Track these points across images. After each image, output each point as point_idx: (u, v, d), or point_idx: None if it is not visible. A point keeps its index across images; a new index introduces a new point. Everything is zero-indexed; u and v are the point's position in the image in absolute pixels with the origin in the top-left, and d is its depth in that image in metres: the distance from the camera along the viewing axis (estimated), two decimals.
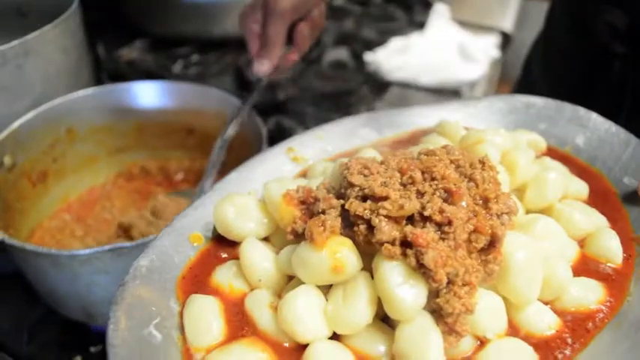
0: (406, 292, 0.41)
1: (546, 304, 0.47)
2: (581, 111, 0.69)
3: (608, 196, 0.61)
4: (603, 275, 0.51)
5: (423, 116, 0.72)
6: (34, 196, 1.00)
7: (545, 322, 0.45)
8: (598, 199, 0.60)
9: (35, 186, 0.99)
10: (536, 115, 0.71)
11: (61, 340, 0.87)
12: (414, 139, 0.69)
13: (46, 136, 0.99)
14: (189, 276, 0.50)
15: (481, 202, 0.46)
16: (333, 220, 0.44)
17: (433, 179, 0.45)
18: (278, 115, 1.28)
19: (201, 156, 1.06)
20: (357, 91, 1.40)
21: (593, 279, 0.50)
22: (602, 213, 0.57)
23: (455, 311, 0.41)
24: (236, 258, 0.50)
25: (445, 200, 0.44)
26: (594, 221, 0.55)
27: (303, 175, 0.63)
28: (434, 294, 0.42)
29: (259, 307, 0.45)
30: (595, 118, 0.68)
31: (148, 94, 1.06)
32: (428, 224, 0.43)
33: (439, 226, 0.43)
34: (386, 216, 0.42)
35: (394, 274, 0.41)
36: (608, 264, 0.52)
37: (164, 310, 0.46)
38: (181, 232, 0.53)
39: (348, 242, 0.44)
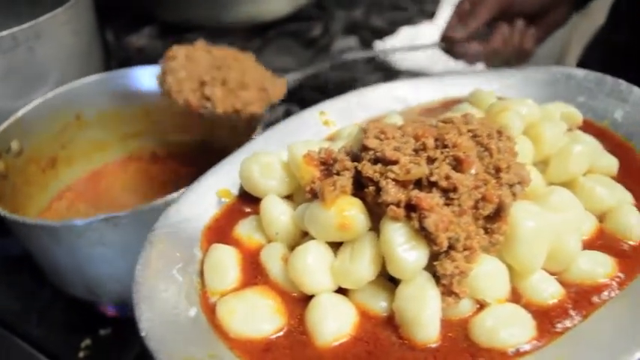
0: (408, 253, 0.43)
1: (553, 274, 0.48)
2: (623, 85, 0.67)
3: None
4: (618, 251, 0.51)
5: (457, 85, 0.72)
6: (44, 182, 1.00)
7: (549, 292, 0.46)
8: (629, 175, 0.59)
9: (44, 172, 1.00)
10: (576, 87, 0.70)
11: (70, 323, 0.87)
12: (444, 107, 0.69)
13: (54, 122, 0.99)
14: (213, 227, 0.53)
15: (494, 171, 0.47)
16: (345, 180, 0.47)
17: (445, 147, 0.47)
18: (287, 103, 1.26)
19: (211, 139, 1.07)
20: (366, 80, 1.37)
21: (607, 254, 0.50)
22: (631, 189, 0.57)
23: (447, 273, 0.42)
24: (258, 213, 0.53)
25: (454, 168, 0.46)
26: (618, 197, 0.55)
27: (332, 139, 0.65)
28: (435, 257, 0.44)
29: (273, 259, 0.48)
30: (637, 92, 0.66)
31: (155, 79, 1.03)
32: (434, 190, 0.44)
33: (445, 192, 0.44)
34: (393, 179, 0.44)
35: (397, 235, 0.43)
36: (626, 240, 0.52)
37: (187, 256, 0.50)
38: (210, 187, 0.57)
39: (358, 202, 0.46)
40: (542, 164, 0.58)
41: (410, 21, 1.56)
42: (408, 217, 0.43)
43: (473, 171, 0.46)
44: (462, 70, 1.36)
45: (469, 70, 1.28)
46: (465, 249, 0.44)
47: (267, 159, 0.55)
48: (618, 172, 0.59)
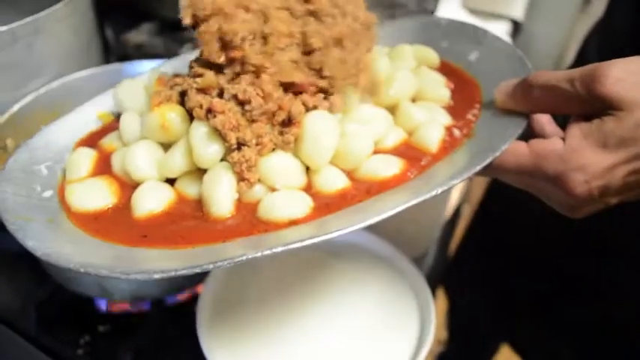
0: (205, 146, 0.54)
1: (348, 172, 0.58)
2: (480, 30, 0.76)
3: (473, 104, 0.68)
4: (413, 157, 0.60)
5: None
6: None
7: (336, 185, 0.56)
8: (464, 105, 0.68)
9: None
10: (442, 33, 0.79)
11: (70, 319, 0.87)
12: None
13: (44, 118, 0.92)
14: (87, 139, 0.66)
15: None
16: (169, 92, 0.58)
17: (244, 64, 0.57)
18: None
19: None
20: None
21: (402, 158, 0.59)
22: (457, 116, 0.66)
23: (234, 161, 0.53)
24: None
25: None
26: (431, 117, 0.64)
27: None
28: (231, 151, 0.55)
29: (117, 156, 0.60)
30: (490, 35, 0.75)
31: None
32: (232, 100, 0.55)
33: (241, 104, 0.55)
34: (197, 88, 0.56)
35: (199, 132, 0.54)
36: (426, 151, 0.61)
37: (58, 158, 0.62)
38: (93, 110, 0.69)
39: (178, 108, 0.57)
40: None
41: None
42: (207, 118, 0.54)
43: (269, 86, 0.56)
44: None
45: None
46: (257, 145, 0.54)
47: (134, 84, 0.66)
48: (457, 103, 0.68)
